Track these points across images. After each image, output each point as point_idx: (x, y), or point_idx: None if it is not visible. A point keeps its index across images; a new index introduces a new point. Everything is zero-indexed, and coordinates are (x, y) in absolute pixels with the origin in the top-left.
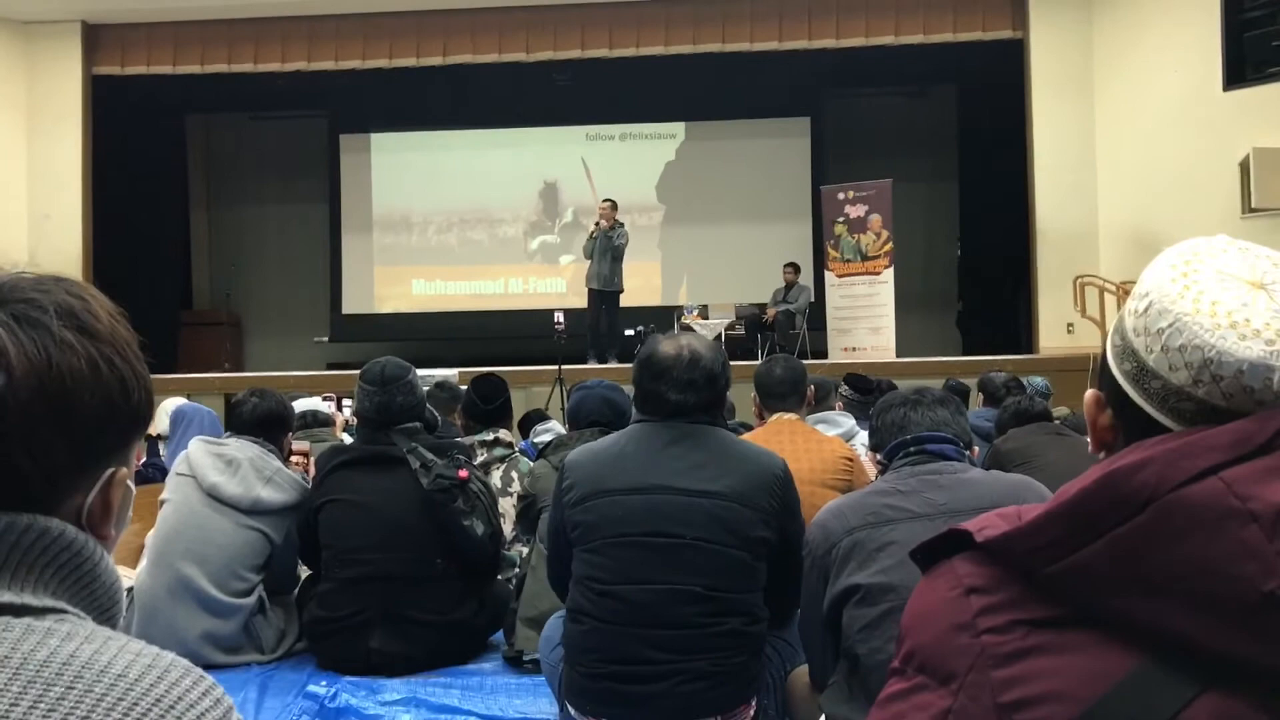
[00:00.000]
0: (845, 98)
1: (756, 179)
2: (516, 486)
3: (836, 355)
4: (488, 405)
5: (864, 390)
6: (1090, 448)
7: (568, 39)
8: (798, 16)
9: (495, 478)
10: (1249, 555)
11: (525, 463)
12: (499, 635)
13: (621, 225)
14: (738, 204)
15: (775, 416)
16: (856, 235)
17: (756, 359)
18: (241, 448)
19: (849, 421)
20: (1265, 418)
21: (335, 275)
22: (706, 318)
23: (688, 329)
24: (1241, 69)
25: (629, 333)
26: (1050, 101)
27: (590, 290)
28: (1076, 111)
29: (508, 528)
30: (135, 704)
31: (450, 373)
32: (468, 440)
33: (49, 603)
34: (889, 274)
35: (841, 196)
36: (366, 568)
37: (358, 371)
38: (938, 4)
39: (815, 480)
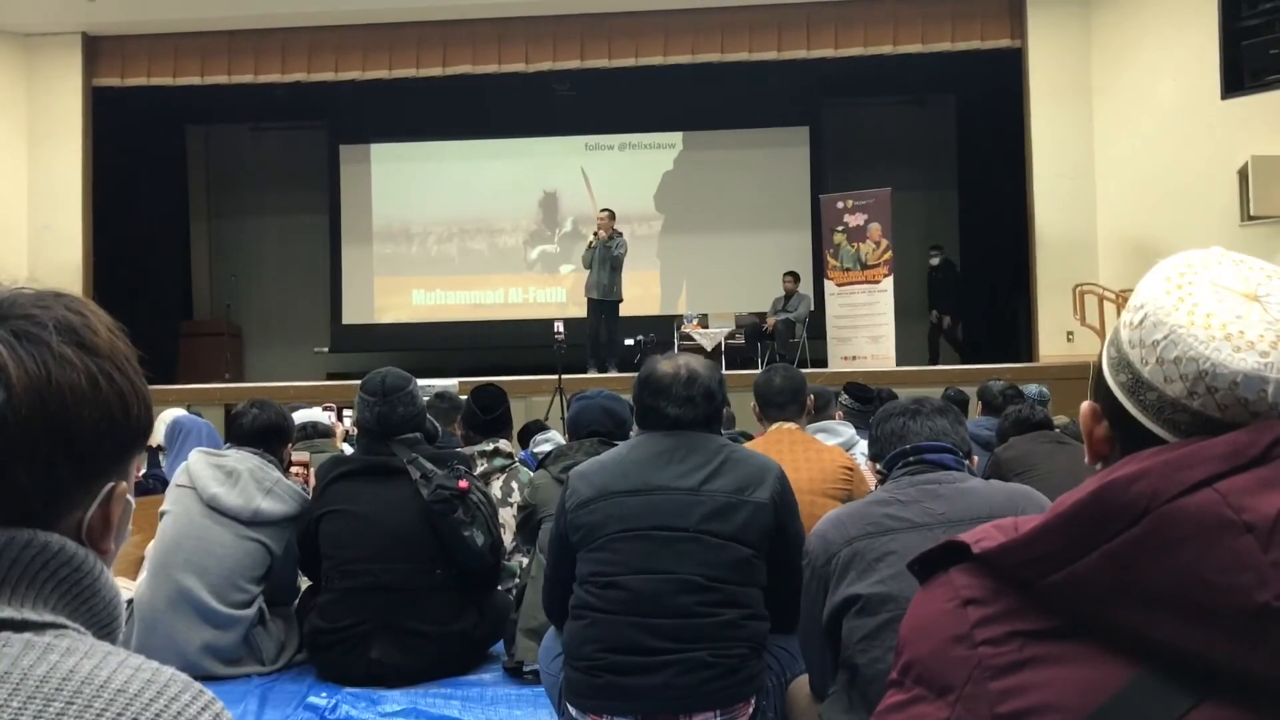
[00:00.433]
0: (844, 107)
1: (756, 188)
2: (516, 497)
3: (836, 364)
4: (488, 415)
5: (864, 399)
6: (1086, 459)
7: (567, 49)
8: (796, 26)
9: (495, 488)
10: (1244, 566)
11: (525, 473)
12: (499, 646)
13: (620, 235)
14: (737, 213)
15: (775, 425)
16: (856, 244)
17: (756, 368)
18: (241, 459)
19: (849, 431)
20: (1260, 429)
21: (335, 286)
22: (706, 327)
23: (687, 338)
24: (1239, 77)
25: (629, 342)
26: (1049, 110)
27: (589, 300)
28: (1075, 120)
29: (508, 538)
30: (135, 719)
31: (450, 383)
32: (468, 451)
33: (49, 618)
34: (888, 283)
35: (841, 205)
36: (367, 578)
37: (358, 382)
38: (936, 13)
39: (815, 489)
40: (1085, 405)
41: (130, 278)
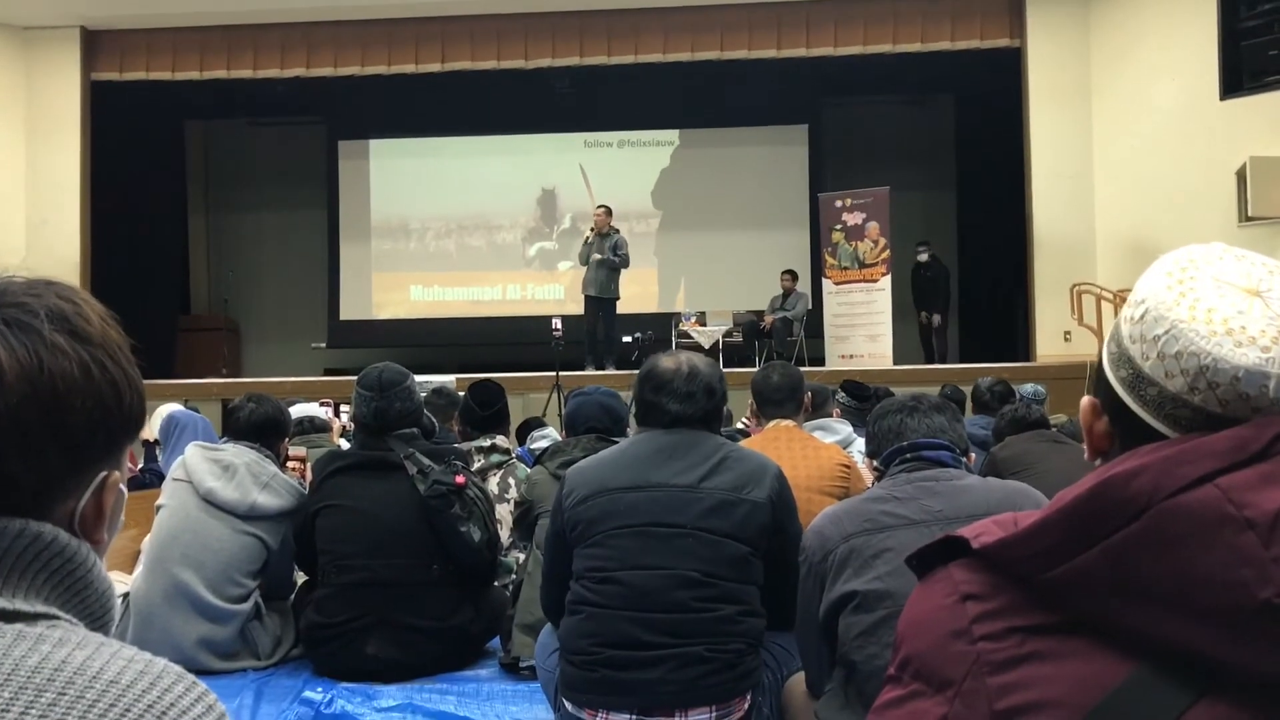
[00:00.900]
0: (843, 105)
1: (754, 186)
2: (513, 493)
3: (834, 362)
4: (485, 411)
5: (861, 397)
6: (1086, 454)
7: (566, 46)
8: (796, 24)
9: (492, 484)
10: (1245, 562)
11: (522, 469)
12: (495, 642)
13: (617, 232)
14: (735, 211)
15: (772, 423)
16: (854, 243)
17: (754, 366)
18: (238, 453)
19: (846, 428)
20: (1261, 424)
21: (333, 281)
22: (704, 325)
23: (685, 336)
24: (1239, 78)
25: (626, 340)
26: (1048, 110)
27: (587, 297)
28: (1074, 120)
29: (504, 534)
30: (127, 710)
31: (448, 379)
32: (465, 446)
33: (41, 609)
34: (886, 281)
35: (839, 204)
36: (363, 573)
37: (355, 377)
38: (935, 13)
39: (812, 487)
40: (1085, 400)
41: (128, 272)
